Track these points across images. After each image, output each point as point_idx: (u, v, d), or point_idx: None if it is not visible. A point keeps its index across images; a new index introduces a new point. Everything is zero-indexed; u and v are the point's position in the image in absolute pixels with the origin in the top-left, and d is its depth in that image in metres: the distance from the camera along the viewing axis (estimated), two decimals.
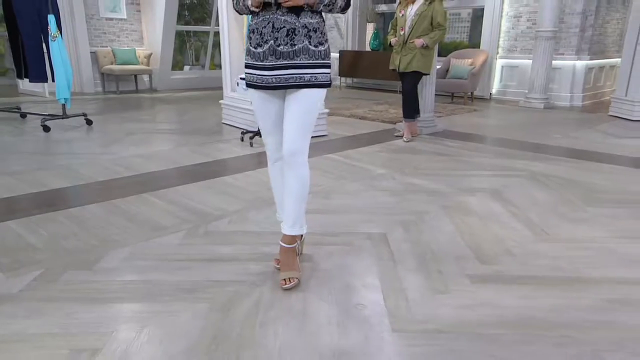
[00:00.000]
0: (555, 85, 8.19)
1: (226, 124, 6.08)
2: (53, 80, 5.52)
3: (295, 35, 2.02)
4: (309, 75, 2.08)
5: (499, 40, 8.85)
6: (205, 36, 10.78)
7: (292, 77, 2.07)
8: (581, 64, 8.07)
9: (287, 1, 1.93)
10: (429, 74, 5.37)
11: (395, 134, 5.57)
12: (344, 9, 2.16)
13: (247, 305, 2.03)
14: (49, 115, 5.70)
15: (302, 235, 2.42)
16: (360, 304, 2.08)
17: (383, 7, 11.08)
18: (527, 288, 2.24)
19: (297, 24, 2.01)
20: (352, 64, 10.53)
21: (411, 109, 5.33)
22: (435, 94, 8.58)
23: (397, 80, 6.54)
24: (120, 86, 9.12)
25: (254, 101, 2.26)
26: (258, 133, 5.10)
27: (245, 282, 2.21)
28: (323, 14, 2.16)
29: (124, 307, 2.00)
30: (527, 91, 8.08)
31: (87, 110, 6.36)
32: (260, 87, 2.15)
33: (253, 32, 2.12)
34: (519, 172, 4.15)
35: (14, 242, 2.59)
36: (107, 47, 9.20)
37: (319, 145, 5.02)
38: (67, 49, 5.78)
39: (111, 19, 9.25)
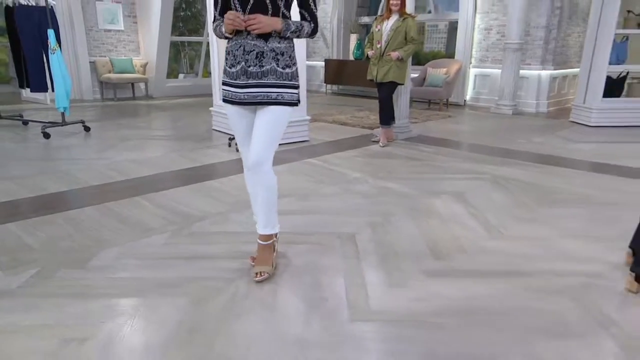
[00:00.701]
0: (523, 92, 8.36)
1: (216, 130, 6.17)
2: (53, 91, 5.59)
3: (264, 57, 2.14)
4: (276, 93, 2.18)
5: (471, 51, 9.01)
6: (198, 46, 10.84)
7: (260, 95, 2.18)
8: (546, 73, 8.26)
9: (255, 29, 2.05)
10: (403, 84, 5.50)
11: (373, 140, 5.69)
12: (311, 35, 2.27)
13: (223, 299, 2.14)
14: (49, 122, 5.75)
15: (276, 234, 2.54)
16: (325, 298, 2.20)
17: (365, 19, 11.22)
18: (474, 281, 2.37)
19: (265, 47, 2.12)
20: (336, 72, 10.67)
21: (387, 116, 5.46)
22: (413, 101, 8.81)
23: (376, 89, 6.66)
24: (118, 93, 9.16)
25: (229, 115, 2.37)
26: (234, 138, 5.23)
27: (223, 278, 2.32)
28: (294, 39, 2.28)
29: (112, 301, 2.10)
30: (497, 98, 8.23)
31: (86, 117, 6.44)
32: (233, 102, 2.26)
33: (228, 54, 2.24)
34: (483, 175, 4.27)
35: (13, 243, 2.68)
36: (105, 57, 9.24)
37: (301, 150, 5.13)
38: (65, 61, 5.83)
39: (109, 31, 9.29)
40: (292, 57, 2.23)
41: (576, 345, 1.85)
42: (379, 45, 5.27)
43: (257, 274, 2.33)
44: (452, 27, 10.75)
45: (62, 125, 5.73)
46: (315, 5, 2.24)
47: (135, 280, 2.29)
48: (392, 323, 2.00)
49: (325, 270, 2.48)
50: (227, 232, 2.91)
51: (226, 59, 2.26)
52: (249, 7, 2.08)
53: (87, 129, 5.88)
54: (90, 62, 9.06)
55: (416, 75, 9.03)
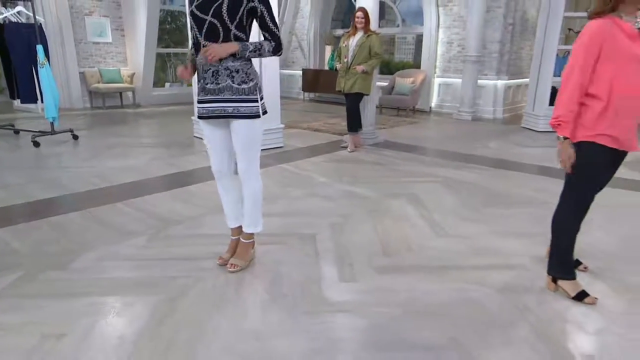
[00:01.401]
0: (481, 100, 8.59)
1: (197, 137, 6.22)
2: (42, 102, 5.59)
3: (219, 76, 2.23)
4: (232, 108, 2.26)
5: (435, 62, 9.22)
6: (184, 56, 10.85)
7: (218, 109, 2.27)
8: (501, 83, 8.51)
9: (212, 59, 2.15)
10: (369, 94, 5.63)
11: (342, 145, 5.81)
12: (274, 53, 2.30)
13: (193, 296, 2.25)
14: (39, 131, 5.74)
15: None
16: (284, 293, 2.33)
17: (340, 32, 11.32)
18: (416, 276, 2.52)
19: (219, 67, 2.21)
20: (313, 80, 10.80)
21: (354, 123, 5.59)
22: (383, 108, 8.98)
23: None
24: (107, 102, 9.13)
25: (202, 127, 2.45)
26: None
27: (194, 277, 2.43)
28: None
29: (91, 300, 2.19)
30: (459, 105, 8.45)
31: (75, 125, 6.44)
32: (200, 117, 2.36)
33: (196, 72, 2.36)
34: (438, 179, 4.41)
35: (0, 248, 2.74)
36: (94, 67, 9.20)
37: (275, 156, 5.22)
38: (54, 74, 5.84)
39: (98, 43, 9.25)
40: (248, 74, 2.28)
41: (497, 332, 2.01)
42: (345, 60, 5.41)
43: (231, 265, 2.48)
44: (419, 40, 10.97)
45: (51, 134, 5.74)
46: (274, 25, 2.27)
47: (113, 280, 2.38)
48: (341, 314, 2.13)
49: (286, 267, 2.59)
50: (202, 234, 3.01)
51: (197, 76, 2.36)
52: (204, 31, 2.18)
53: (75, 137, 5.89)
54: (80, 72, 9.01)
55: (386, 84, 9.22)
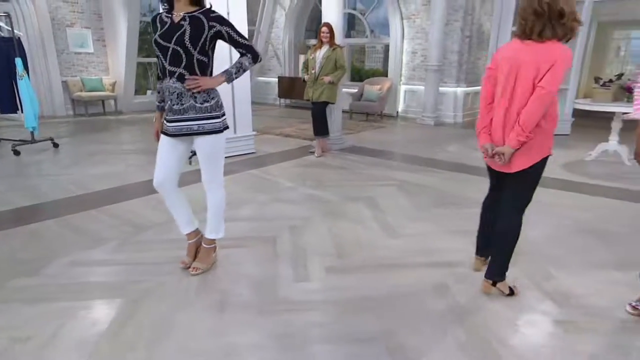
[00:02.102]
0: (443, 106, 8.80)
1: None
2: (22, 112, 5.53)
3: (183, 97, 2.29)
4: (197, 125, 2.33)
5: (401, 70, 9.40)
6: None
7: (184, 128, 2.34)
8: (460, 90, 8.73)
9: (194, 88, 2.23)
10: (334, 103, 5.74)
11: (310, 151, 5.91)
12: (255, 62, 2.38)
13: (154, 298, 2.31)
14: (19, 140, 5.67)
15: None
16: (240, 293, 2.40)
17: (313, 41, 11.38)
18: (362, 274, 2.61)
19: (182, 89, 2.28)
20: (288, 87, 10.86)
21: (320, 129, 5.68)
22: (353, 113, 9.10)
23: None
24: (89, 109, 9.03)
25: (162, 142, 2.44)
26: (194, 153, 5.31)
27: (157, 280, 2.49)
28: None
29: (59, 305, 2.23)
30: (422, 111, 8.63)
31: (57, 133, 6.39)
32: (166, 134, 2.41)
33: (158, 93, 2.42)
34: (396, 182, 4.51)
35: None
36: (76, 76, 9.08)
37: (246, 162, 5.27)
38: (33, 85, 5.79)
39: (80, 53, 9.13)
40: (209, 93, 2.34)
41: (428, 324, 2.13)
42: (313, 71, 5.50)
43: (194, 268, 2.54)
44: (387, 49, 11.13)
45: (31, 143, 5.68)
46: (243, 39, 2.33)
47: (82, 285, 2.43)
48: (293, 312, 2.22)
49: (246, 269, 2.67)
50: (169, 239, 3.03)
51: None
52: (167, 57, 2.23)
53: (55, 145, 5.83)
54: (62, 81, 8.89)
55: (355, 90, 9.35)
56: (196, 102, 2.31)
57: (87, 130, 7.49)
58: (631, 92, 5.11)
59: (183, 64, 2.23)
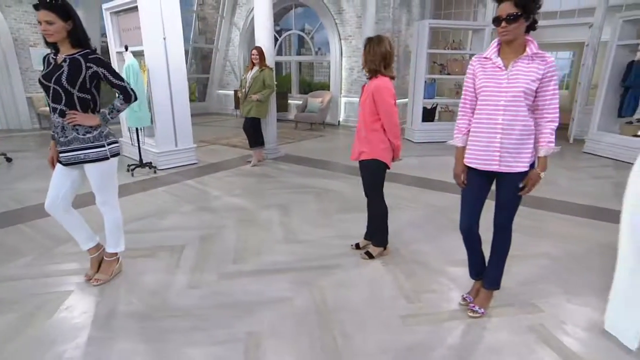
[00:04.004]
0: None
1: (125, 156, 6.08)
2: None
3: (66, 130, 2.27)
4: (83, 154, 2.31)
5: (341, 84, 9.51)
6: None
7: (73, 157, 2.32)
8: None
9: (71, 122, 2.21)
10: (264, 118, 5.71)
11: (247, 160, 5.90)
12: (127, 102, 2.37)
13: (50, 309, 2.27)
14: None
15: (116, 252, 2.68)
16: (130, 301, 2.39)
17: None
18: (251, 279, 2.63)
19: (64, 123, 2.26)
20: None
21: (253, 141, 5.65)
22: (298, 123, 9.12)
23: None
24: None
25: (56, 167, 2.41)
26: (139, 165, 5.23)
27: (58, 292, 2.45)
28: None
29: None
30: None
31: (15, 146, 6.20)
32: (59, 162, 2.38)
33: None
34: (312, 189, 4.50)
35: None
36: (41, 92, 8.73)
37: (185, 173, 5.19)
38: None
39: None
40: (91, 125, 2.30)
41: (291, 323, 2.19)
42: (244, 90, 5.49)
43: (95, 279, 2.53)
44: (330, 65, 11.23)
45: None
46: (118, 79, 2.32)
47: None
48: (171, 318, 2.22)
49: (146, 277, 2.64)
50: (81, 252, 2.96)
51: None
52: (50, 95, 2.22)
53: (8, 160, 5.62)
54: (27, 97, 8.57)
55: (300, 102, 9.40)
56: (79, 134, 2.29)
57: (46, 143, 7.21)
58: None
59: (63, 101, 2.22)
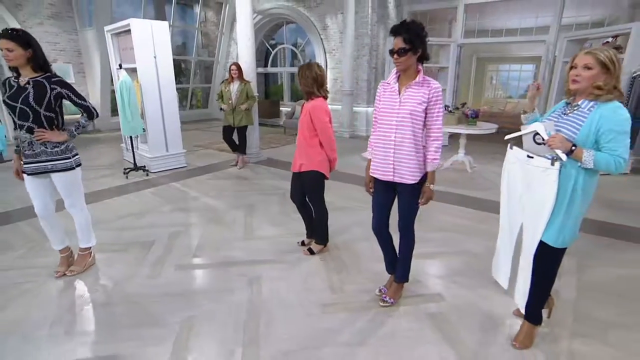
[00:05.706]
0: (357, 122, 9.04)
1: (125, 160, 6.23)
2: None
3: (33, 145, 2.40)
4: (50, 165, 2.44)
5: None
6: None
7: (40, 167, 2.44)
8: (370, 109, 8.96)
9: (40, 139, 2.33)
10: (252, 125, 5.87)
11: (232, 164, 6.02)
12: (90, 119, 2.50)
13: (26, 296, 2.44)
14: None
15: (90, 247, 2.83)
16: (96, 289, 2.53)
17: (260, 69, 11.52)
18: (203, 271, 2.73)
19: (32, 138, 2.38)
20: None
21: (242, 147, 5.81)
22: (287, 129, 9.22)
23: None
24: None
25: (28, 182, 2.48)
26: (134, 168, 5.41)
27: (35, 281, 2.59)
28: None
29: None
30: (339, 125, 8.86)
31: None
32: (26, 172, 2.48)
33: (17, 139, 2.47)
34: (281, 190, 4.49)
35: None
36: None
37: (173, 176, 5.24)
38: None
39: None
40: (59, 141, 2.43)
41: (228, 307, 2.32)
42: (230, 102, 5.60)
43: (70, 270, 2.66)
44: None
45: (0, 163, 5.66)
46: (81, 99, 2.43)
47: None
48: (124, 304, 2.34)
49: (113, 270, 2.75)
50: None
51: None
52: (16, 114, 2.32)
53: None
54: None
55: (289, 109, 9.51)
56: (47, 148, 2.41)
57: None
58: (468, 117, 5.45)
59: (30, 119, 2.33)
